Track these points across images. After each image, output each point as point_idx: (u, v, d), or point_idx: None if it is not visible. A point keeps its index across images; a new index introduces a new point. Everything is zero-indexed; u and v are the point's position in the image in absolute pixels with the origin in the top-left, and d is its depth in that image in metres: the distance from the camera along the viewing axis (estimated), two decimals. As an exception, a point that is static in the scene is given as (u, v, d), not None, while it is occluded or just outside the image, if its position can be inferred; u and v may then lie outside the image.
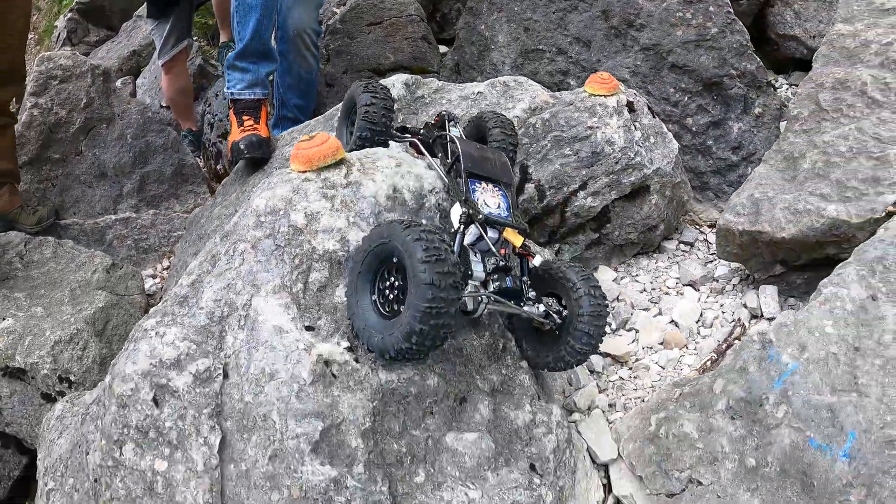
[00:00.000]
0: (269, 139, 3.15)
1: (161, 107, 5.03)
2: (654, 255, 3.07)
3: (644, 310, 2.77)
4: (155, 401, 1.71)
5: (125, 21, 6.66)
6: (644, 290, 2.88)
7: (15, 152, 3.46)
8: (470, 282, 1.91)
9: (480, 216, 2.00)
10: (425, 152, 2.30)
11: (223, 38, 4.91)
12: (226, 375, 1.75)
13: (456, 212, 2.04)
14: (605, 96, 2.82)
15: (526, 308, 2.01)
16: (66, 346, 2.56)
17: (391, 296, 1.80)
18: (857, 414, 1.79)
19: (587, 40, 3.44)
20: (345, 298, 1.86)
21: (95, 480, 1.77)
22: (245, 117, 3.21)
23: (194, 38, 5.26)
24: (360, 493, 1.65)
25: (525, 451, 1.96)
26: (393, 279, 1.81)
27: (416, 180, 2.08)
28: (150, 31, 4.95)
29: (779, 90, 3.85)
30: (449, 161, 2.22)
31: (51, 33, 7.68)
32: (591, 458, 2.20)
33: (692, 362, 2.50)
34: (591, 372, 2.54)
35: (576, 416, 2.34)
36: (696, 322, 2.66)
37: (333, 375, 1.72)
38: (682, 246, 3.11)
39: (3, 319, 2.67)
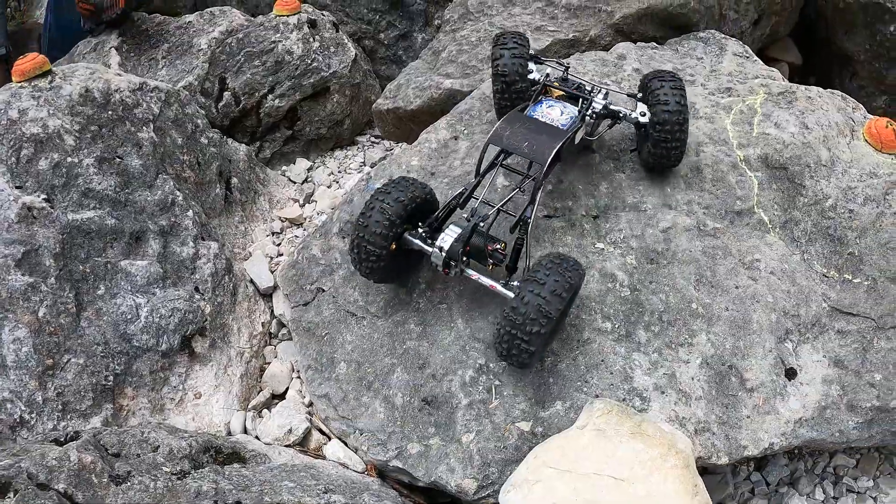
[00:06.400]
0: None
1: None
2: (348, 148, 4.32)
3: (327, 187, 4.01)
4: None
5: None
6: (331, 173, 4.12)
7: None
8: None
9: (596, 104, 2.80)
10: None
11: None
12: (-43, 223, 2.87)
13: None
14: (287, 16, 4.00)
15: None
16: None
17: None
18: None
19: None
20: (48, 166, 2.97)
21: None
22: None
23: None
24: (51, 296, 2.82)
25: (191, 278, 3.16)
26: None
27: (105, 83, 3.21)
28: None
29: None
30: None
31: None
32: (257, 289, 3.42)
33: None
34: (272, 233, 3.75)
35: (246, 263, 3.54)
36: (357, 192, 3.89)
37: (34, 217, 2.86)
38: (372, 138, 4.38)
39: None
